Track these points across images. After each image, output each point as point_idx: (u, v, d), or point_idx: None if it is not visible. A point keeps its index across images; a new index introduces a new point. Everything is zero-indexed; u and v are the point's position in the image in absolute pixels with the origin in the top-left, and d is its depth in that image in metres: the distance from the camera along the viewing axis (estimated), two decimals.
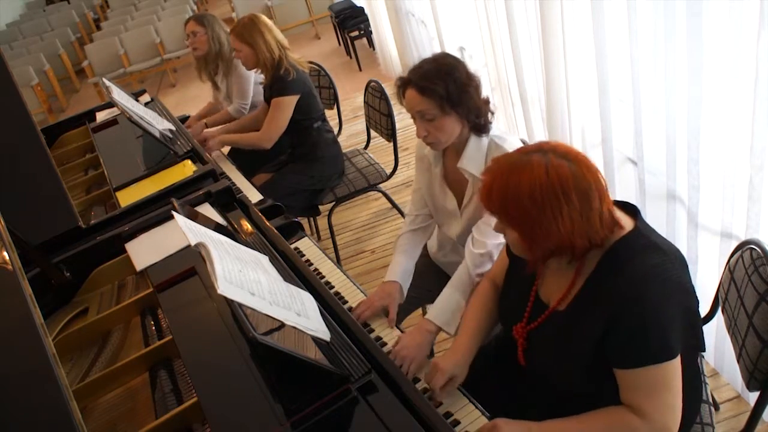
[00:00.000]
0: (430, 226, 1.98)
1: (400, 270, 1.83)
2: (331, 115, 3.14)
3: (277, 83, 2.77)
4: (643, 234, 1.20)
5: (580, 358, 1.24)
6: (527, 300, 1.36)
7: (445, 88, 1.60)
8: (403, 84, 1.68)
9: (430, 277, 2.04)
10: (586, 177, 1.12)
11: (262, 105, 3.10)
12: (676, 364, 1.16)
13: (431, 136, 1.68)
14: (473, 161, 1.72)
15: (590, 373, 1.24)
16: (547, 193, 1.10)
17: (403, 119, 3.99)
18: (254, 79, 3.33)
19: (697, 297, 1.22)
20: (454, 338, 1.52)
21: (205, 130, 3.21)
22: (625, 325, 1.15)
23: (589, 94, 2.29)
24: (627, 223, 1.22)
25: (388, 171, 3.01)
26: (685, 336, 1.18)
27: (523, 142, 2.10)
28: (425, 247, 2.12)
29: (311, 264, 1.95)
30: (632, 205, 1.26)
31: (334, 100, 3.37)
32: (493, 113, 1.72)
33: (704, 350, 1.29)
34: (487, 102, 1.70)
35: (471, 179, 1.76)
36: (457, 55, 3.78)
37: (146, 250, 1.85)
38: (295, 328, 1.24)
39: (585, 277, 1.23)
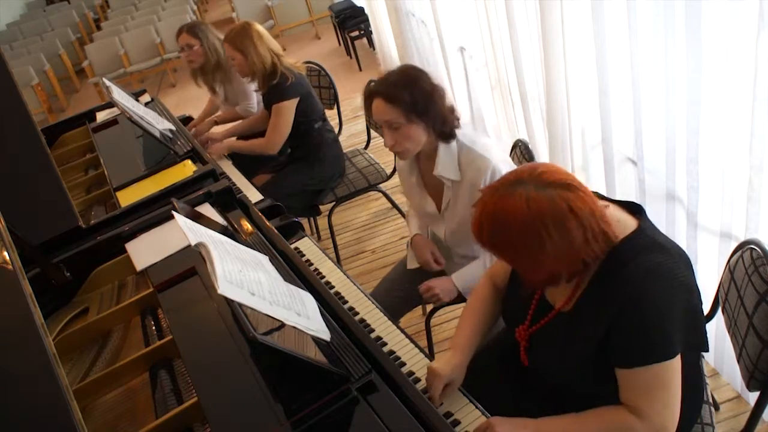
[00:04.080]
0: None
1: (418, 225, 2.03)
2: (331, 115, 3.14)
3: (275, 89, 2.77)
4: (647, 234, 1.20)
5: (583, 359, 1.24)
6: (531, 301, 1.36)
7: (411, 96, 1.65)
8: (370, 94, 1.71)
9: (426, 277, 2.05)
10: (566, 208, 1.10)
11: (262, 110, 3.10)
12: (676, 363, 1.16)
13: (398, 145, 1.73)
14: (448, 166, 1.77)
15: (593, 374, 1.24)
16: (529, 228, 1.10)
17: None
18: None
19: (700, 296, 1.22)
20: (451, 340, 1.52)
21: (211, 130, 3.21)
22: (628, 324, 1.15)
23: (589, 94, 2.29)
24: (630, 223, 1.21)
25: (388, 171, 3.01)
26: (688, 336, 1.18)
27: (523, 142, 2.10)
28: None
29: (311, 264, 1.95)
30: (637, 204, 1.26)
31: (334, 100, 3.37)
32: (458, 119, 1.76)
33: (708, 350, 1.29)
34: (452, 110, 1.74)
35: (448, 183, 1.80)
36: (458, 55, 3.80)
37: (146, 250, 1.85)
38: (295, 328, 1.24)
39: (589, 277, 1.23)
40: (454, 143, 1.76)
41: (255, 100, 3.32)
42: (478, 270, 1.81)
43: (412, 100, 1.65)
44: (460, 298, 1.89)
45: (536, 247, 1.11)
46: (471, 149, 1.75)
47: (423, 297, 1.87)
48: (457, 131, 1.77)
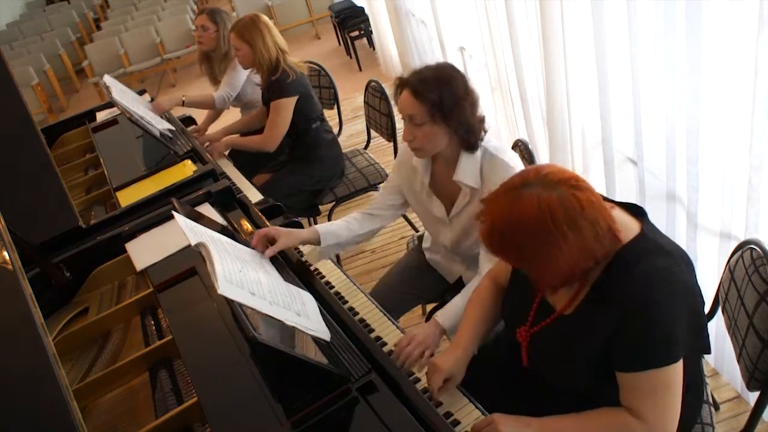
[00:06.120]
0: (383, 219, 1.95)
1: (330, 227, 1.85)
2: (331, 115, 3.15)
3: (275, 85, 2.77)
4: (649, 237, 1.19)
5: (584, 362, 1.24)
6: (532, 302, 1.36)
7: (439, 96, 1.59)
8: (401, 84, 1.67)
9: (425, 277, 2.05)
10: (576, 206, 1.10)
11: (261, 107, 3.10)
12: (678, 367, 1.16)
13: (417, 141, 1.67)
14: (469, 173, 1.71)
15: (594, 375, 1.24)
16: (543, 229, 1.09)
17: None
18: (253, 79, 3.33)
19: (703, 299, 1.22)
20: (453, 337, 1.52)
21: (206, 134, 3.20)
22: (631, 329, 1.15)
23: (589, 94, 2.29)
24: (633, 226, 1.21)
25: (388, 171, 3.01)
26: (691, 338, 1.18)
27: (523, 142, 2.10)
28: (420, 246, 2.11)
29: (311, 264, 1.95)
30: (639, 207, 1.25)
31: (334, 100, 3.37)
32: (486, 131, 1.71)
33: (710, 352, 1.29)
34: (481, 121, 1.69)
35: (466, 189, 1.74)
36: (458, 55, 3.80)
37: (146, 250, 1.85)
38: (295, 328, 1.24)
39: (592, 282, 1.22)
40: (478, 151, 1.70)
41: (236, 94, 3.29)
42: (460, 304, 1.64)
43: (440, 99, 1.59)
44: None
45: (551, 247, 1.10)
46: (495, 157, 1.70)
47: (405, 354, 1.48)
48: (483, 141, 1.71)
